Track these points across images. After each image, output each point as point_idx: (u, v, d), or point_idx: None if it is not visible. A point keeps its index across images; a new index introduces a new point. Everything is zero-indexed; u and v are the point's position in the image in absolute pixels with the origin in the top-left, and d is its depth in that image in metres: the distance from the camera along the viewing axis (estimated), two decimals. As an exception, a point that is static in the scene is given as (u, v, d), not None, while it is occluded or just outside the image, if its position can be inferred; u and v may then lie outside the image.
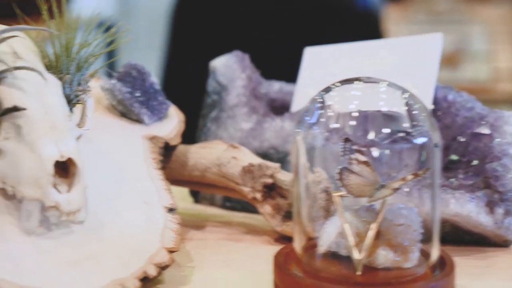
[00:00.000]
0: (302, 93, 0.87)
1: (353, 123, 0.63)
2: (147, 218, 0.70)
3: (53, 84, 0.66)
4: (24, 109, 0.63)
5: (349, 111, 0.64)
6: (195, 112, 0.90)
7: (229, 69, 0.89)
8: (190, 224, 0.82)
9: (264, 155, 0.84)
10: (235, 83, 0.88)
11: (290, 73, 0.91)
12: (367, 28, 1.46)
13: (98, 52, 0.69)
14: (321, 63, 0.87)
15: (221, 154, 0.80)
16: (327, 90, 0.65)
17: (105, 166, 0.73)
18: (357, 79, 0.66)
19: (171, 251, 0.67)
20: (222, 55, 0.90)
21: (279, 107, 0.90)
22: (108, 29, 0.72)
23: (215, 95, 0.89)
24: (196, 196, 0.90)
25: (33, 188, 0.63)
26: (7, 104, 0.64)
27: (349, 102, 0.64)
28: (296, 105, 0.87)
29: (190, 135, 0.87)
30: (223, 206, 0.88)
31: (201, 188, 0.84)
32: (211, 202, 0.89)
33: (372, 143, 0.62)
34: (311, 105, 0.65)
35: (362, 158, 0.62)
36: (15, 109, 0.63)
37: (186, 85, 0.86)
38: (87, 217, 0.67)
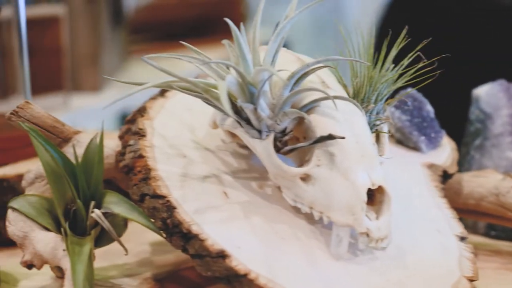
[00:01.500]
0: None
1: None
2: (442, 246, 0.70)
3: (360, 113, 0.68)
4: (342, 137, 0.65)
5: None
6: (455, 139, 0.90)
7: (494, 97, 0.89)
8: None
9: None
10: (500, 112, 0.88)
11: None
12: None
13: (396, 82, 0.71)
14: None
15: (499, 184, 0.80)
16: None
17: (392, 193, 0.74)
18: None
19: (471, 280, 0.67)
20: (484, 83, 0.90)
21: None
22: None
23: (479, 123, 0.89)
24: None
25: (345, 215, 0.65)
26: (320, 132, 0.66)
27: None
28: None
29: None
30: (486, 235, 0.88)
31: (474, 217, 0.84)
32: (474, 230, 0.89)
33: None
34: None
35: None
36: (331, 137, 0.65)
37: (445, 113, 0.86)
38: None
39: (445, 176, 0.80)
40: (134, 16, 2.18)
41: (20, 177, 0.84)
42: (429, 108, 0.82)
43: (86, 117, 1.59)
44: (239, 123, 0.68)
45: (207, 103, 0.69)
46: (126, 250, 0.70)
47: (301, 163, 0.69)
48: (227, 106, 0.62)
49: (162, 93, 0.80)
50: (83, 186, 0.70)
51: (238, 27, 0.68)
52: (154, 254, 0.82)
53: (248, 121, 0.67)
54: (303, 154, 0.69)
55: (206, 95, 0.67)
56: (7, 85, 1.01)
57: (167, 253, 0.81)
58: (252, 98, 0.66)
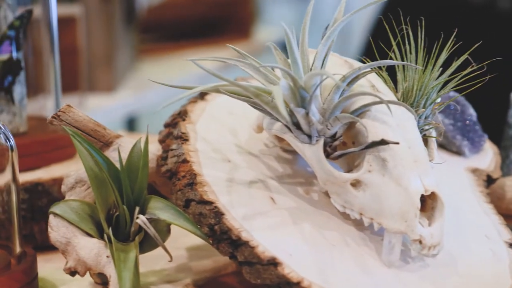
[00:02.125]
0: None
1: None
2: (492, 253, 0.69)
3: (412, 118, 0.67)
4: (396, 142, 0.64)
5: None
6: (494, 143, 0.89)
7: (533, 101, 0.88)
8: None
9: None
10: (540, 115, 0.87)
11: None
12: None
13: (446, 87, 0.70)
14: None
15: (543, 189, 0.79)
16: None
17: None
18: None
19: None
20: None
21: None
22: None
23: (517, 127, 0.88)
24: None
25: (398, 221, 0.64)
26: (372, 137, 0.65)
27: None
28: None
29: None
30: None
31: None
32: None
33: None
34: None
35: None
36: (383, 142, 0.64)
37: (483, 117, 0.85)
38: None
39: (489, 181, 0.79)
40: (145, 16, 2.17)
41: (55, 181, 0.83)
42: (471, 112, 0.81)
43: (100, 118, 1.57)
44: (288, 127, 0.67)
45: (255, 107, 0.68)
46: (170, 256, 0.69)
47: (348, 169, 0.68)
48: (284, 112, 0.60)
49: (202, 96, 0.79)
50: (127, 191, 0.69)
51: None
52: (191, 260, 0.80)
53: (298, 126, 0.66)
54: (351, 160, 0.68)
55: (257, 99, 0.65)
56: (36, 85, 1.00)
57: (203, 259, 0.80)
58: (303, 103, 0.65)
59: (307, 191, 0.70)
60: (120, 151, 0.72)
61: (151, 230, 0.68)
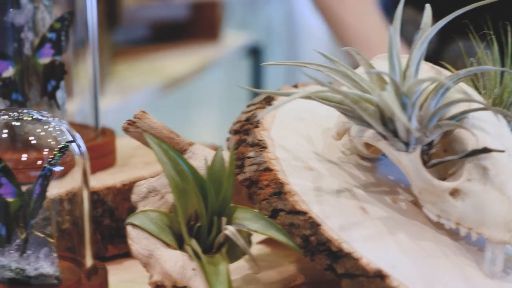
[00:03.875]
0: None
1: None
2: None
3: (506, 125, 0.66)
4: (501, 151, 0.63)
5: None
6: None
7: None
8: None
9: None
10: None
11: None
12: None
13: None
14: None
15: None
16: None
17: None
18: None
19: None
20: None
21: None
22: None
23: None
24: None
25: (501, 231, 0.63)
26: (472, 145, 0.64)
27: None
28: None
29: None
30: None
31: None
32: None
33: None
34: None
35: None
36: (486, 150, 0.63)
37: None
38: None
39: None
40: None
41: (108, 189, 0.80)
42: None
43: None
44: (381, 135, 0.65)
45: (345, 114, 0.66)
46: (258, 268, 0.66)
47: (440, 177, 0.67)
48: (404, 119, 0.58)
49: (269, 101, 0.76)
50: (212, 201, 0.66)
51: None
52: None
53: (395, 133, 0.64)
54: (443, 168, 0.67)
55: (355, 106, 0.63)
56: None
57: (267, 270, 0.78)
58: (404, 110, 0.63)
59: (394, 200, 0.69)
60: (194, 159, 0.70)
61: (240, 242, 0.65)
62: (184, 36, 2.44)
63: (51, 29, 0.84)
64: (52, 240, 0.68)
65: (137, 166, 0.87)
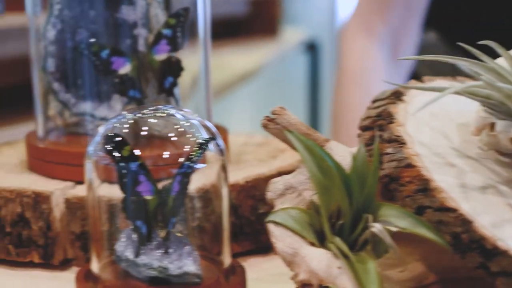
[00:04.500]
0: None
1: None
2: None
3: None
4: None
5: None
6: None
7: None
8: None
9: None
10: None
11: None
12: None
13: None
14: None
15: None
16: None
17: None
18: None
19: None
20: None
21: None
22: None
23: None
24: None
25: None
26: None
27: None
28: None
29: None
30: None
31: None
32: None
33: None
34: None
35: None
36: None
37: None
38: None
39: None
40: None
41: (232, 187, 0.79)
42: None
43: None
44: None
45: (492, 109, 0.64)
46: (404, 267, 0.65)
47: None
48: None
49: (398, 97, 0.75)
50: (357, 198, 0.65)
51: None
52: (383, 270, 0.77)
53: (548, 128, 0.63)
54: None
55: (508, 100, 0.62)
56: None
57: (392, 269, 0.76)
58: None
59: (540, 196, 0.67)
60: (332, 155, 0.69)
61: (388, 239, 0.64)
62: (243, 33, 2.43)
63: (166, 25, 0.83)
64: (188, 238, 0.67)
65: (252, 163, 0.86)
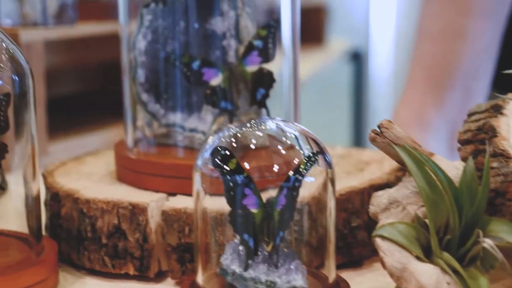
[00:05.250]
0: None
1: None
2: None
3: None
4: None
5: None
6: None
7: None
8: None
9: None
10: None
11: None
12: None
13: None
14: None
15: None
16: None
17: None
18: None
19: None
20: None
21: None
22: None
23: None
24: None
25: None
26: None
27: None
28: None
29: None
30: None
31: None
32: None
33: None
34: None
35: None
36: None
37: None
38: None
39: None
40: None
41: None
42: None
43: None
44: None
45: None
46: (514, 283, 0.65)
47: None
48: None
49: (498, 110, 0.74)
50: (466, 213, 0.64)
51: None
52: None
53: None
54: None
55: None
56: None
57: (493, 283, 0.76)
58: None
59: None
60: (436, 169, 0.68)
61: (499, 255, 0.63)
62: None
63: (257, 36, 0.83)
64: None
65: (340, 176, 0.85)
